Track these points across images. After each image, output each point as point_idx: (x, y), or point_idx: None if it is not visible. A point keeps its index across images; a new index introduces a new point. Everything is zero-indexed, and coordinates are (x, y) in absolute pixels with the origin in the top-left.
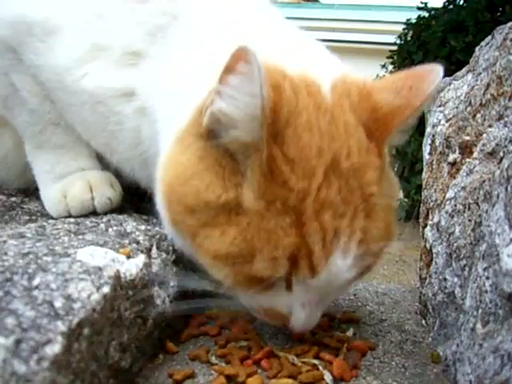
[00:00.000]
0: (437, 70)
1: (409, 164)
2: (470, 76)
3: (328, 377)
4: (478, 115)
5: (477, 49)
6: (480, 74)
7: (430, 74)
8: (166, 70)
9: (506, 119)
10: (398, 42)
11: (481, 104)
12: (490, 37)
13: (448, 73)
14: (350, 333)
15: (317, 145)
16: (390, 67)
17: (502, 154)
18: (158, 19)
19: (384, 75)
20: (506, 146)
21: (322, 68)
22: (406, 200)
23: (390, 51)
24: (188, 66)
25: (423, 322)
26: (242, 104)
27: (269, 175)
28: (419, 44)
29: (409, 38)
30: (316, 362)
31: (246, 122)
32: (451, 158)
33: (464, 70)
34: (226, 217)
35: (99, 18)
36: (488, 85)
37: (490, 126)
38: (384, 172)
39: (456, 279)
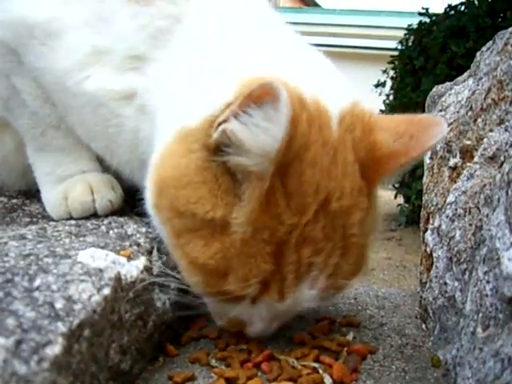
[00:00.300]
0: (442, 124)
1: (409, 169)
2: (471, 81)
3: (328, 380)
4: (479, 120)
5: (478, 54)
6: (481, 78)
7: (433, 127)
8: (170, 71)
9: (506, 124)
10: (399, 47)
11: (482, 108)
12: (491, 42)
13: (449, 78)
14: (350, 336)
15: (316, 182)
16: (391, 72)
17: (502, 158)
18: (160, 22)
19: (385, 81)
20: (506, 151)
21: (334, 94)
22: (406, 205)
23: (391, 56)
24: (195, 66)
25: (423, 326)
26: (258, 139)
27: (264, 205)
28: (420, 49)
29: (410, 44)
30: (316, 365)
31: (256, 155)
32: (452, 162)
33: (465, 74)
34: (211, 232)
35: (101, 22)
36: (489, 89)
37: (491, 130)
38: (369, 211)
39: (456, 283)
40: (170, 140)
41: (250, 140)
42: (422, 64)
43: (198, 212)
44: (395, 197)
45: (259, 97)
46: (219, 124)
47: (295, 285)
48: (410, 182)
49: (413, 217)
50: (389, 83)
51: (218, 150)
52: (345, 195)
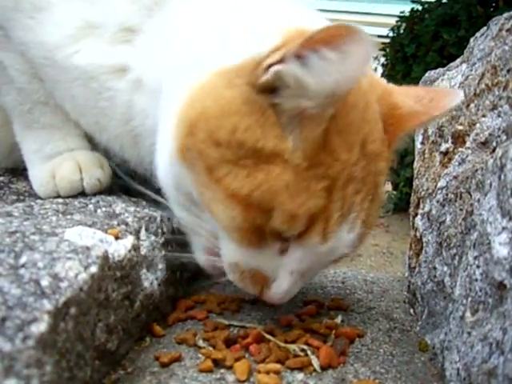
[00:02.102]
0: (459, 93)
1: (398, 157)
2: (464, 66)
3: (316, 363)
4: (472, 105)
5: (471, 39)
6: (475, 64)
7: (451, 94)
8: (169, 35)
9: (499, 109)
10: (391, 34)
11: (475, 94)
12: (485, 28)
13: (440, 66)
14: (338, 320)
15: (357, 123)
16: (382, 59)
17: (494, 143)
18: None
19: (376, 67)
20: (499, 136)
21: None
22: (394, 193)
23: (383, 43)
24: (209, 23)
25: (411, 310)
26: (329, 80)
27: (321, 142)
28: (412, 37)
29: (401, 31)
30: (305, 347)
31: (321, 97)
32: (443, 147)
33: (458, 60)
34: (255, 161)
35: None
36: (482, 75)
37: (484, 115)
38: (388, 164)
39: (446, 268)
40: (200, 81)
41: (319, 83)
42: (414, 52)
43: (247, 140)
44: None
45: (329, 38)
46: (269, 65)
47: (338, 225)
48: (399, 169)
49: (400, 204)
50: (379, 70)
51: (267, 92)
52: (377, 140)
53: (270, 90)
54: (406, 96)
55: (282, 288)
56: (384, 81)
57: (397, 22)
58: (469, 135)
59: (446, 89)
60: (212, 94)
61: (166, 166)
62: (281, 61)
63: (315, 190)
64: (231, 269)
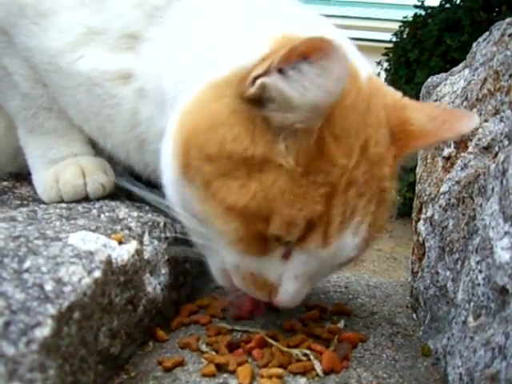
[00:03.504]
0: (475, 118)
1: None
2: (466, 71)
3: (318, 367)
4: (474, 110)
5: (474, 44)
6: (477, 69)
7: (467, 118)
8: (172, 48)
9: (502, 114)
10: (394, 39)
11: (477, 99)
12: (487, 33)
13: (443, 71)
14: (341, 324)
15: (356, 126)
16: (386, 64)
17: (497, 148)
18: (155, 0)
19: (379, 72)
20: (501, 141)
21: (356, 57)
22: (397, 198)
23: (386, 48)
24: (207, 34)
25: (414, 315)
26: (310, 94)
27: (315, 150)
28: (415, 42)
29: (405, 36)
30: (307, 352)
31: (305, 111)
32: (446, 152)
33: (461, 65)
34: (247, 171)
35: (95, 1)
36: (485, 80)
37: (486, 120)
38: (394, 176)
39: (448, 273)
40: (191, 99)
41: (298, 96)
42: (417, 56)
43: (235, 151)
44: None
45: (309, 53)
46: (256, 77)
47: (340, 230)
48: (402, 174)
49: (404, 209)
50: (383, 75)
51: (255, 103)
52: (379, 143)
53: (258, 102)
54: (419, 112)
55: (289, 292)
56: (399, 94)
57: (400, 26)
58: (471, 140)
59: (461, 111)
60: (200, 109)
61: (171, 184)
62: (266, 73)
63: (314, 197)
64: (234, 273)
